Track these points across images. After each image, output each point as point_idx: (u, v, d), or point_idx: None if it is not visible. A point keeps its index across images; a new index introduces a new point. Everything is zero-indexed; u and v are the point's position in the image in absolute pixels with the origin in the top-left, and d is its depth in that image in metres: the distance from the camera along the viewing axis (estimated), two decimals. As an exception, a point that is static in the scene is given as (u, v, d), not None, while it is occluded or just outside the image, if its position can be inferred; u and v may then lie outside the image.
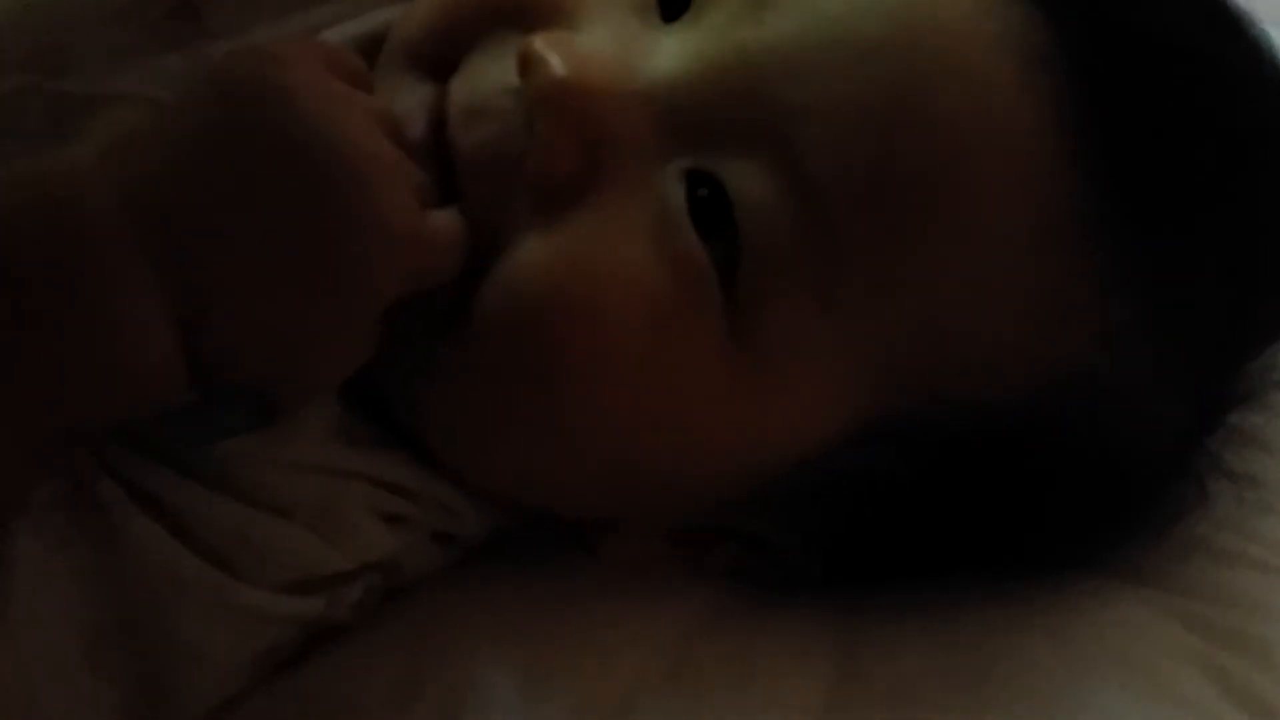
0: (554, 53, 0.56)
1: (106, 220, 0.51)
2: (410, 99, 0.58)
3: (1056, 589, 0.63)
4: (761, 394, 0.57)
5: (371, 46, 0.62)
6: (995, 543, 0.61)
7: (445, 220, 0.56)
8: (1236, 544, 0.65)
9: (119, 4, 0.60)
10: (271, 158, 0.52)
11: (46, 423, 0.52)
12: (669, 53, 0.58)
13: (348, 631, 0.60)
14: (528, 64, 0.56)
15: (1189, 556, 0.64)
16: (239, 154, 0.52)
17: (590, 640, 0.61)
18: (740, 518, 0.62)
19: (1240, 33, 0.61)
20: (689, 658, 0.61)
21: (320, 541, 0.58)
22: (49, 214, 0.51)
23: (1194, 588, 0.63)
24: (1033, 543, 0.61)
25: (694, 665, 0.60)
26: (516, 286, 0.56)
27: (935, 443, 0.58)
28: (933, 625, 0.62)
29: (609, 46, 0.58)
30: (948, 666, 0.61)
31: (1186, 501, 0.63)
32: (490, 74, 0.58)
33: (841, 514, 0.61)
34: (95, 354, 0.51)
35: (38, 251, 0.51)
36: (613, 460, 0.58)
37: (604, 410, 0.57)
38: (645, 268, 0.56)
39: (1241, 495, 0.65)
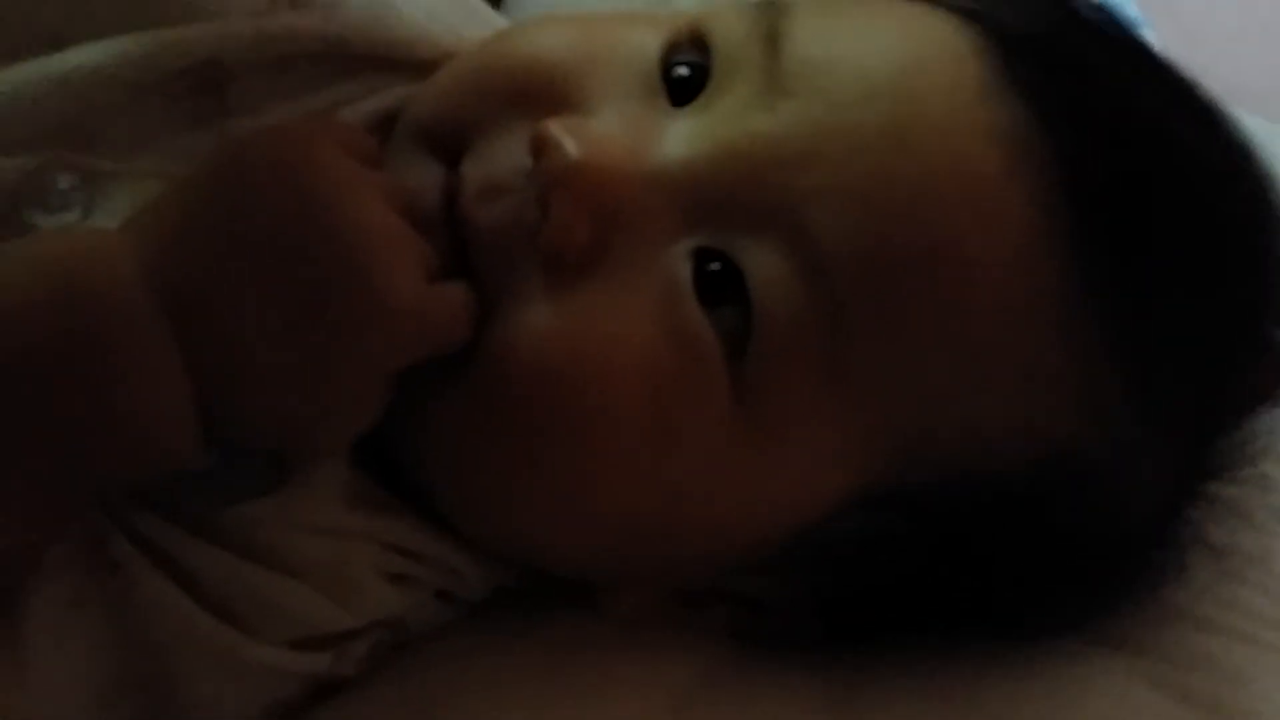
0: (568, 136, 0.57)
1: (129, 293, 0.53)
2: (422, 176, 0.60)
3: (1042, 653, 0.64)
4: (765, 464, 0.59)
5: (385, 124, 0.63)
6: (985, 608, 0.62)
7: (452, 293, 0.57)
8: (1216, 613, 0.66)
9: (144, 80, 0.61)
10: (283, 235, 0.54)
11: (64, 484, 0.53)
12: (681, 137, 0.59)
13: (352, 685, 0.61)
14: (542, 146, 0.57)
15: (1170, 624, 0.65)
16: (253, 231, 0.54)
17: (592, 695, 0.62)
18: (740, 580, 0.63)
19: (1215, 120, 0.63)
20: (689, 714, 0.62)
21: (329, 601, 0.59)
22: (73, 285, 0.53)
23: (1175, 655, 0.64)
24: (1022, 609, 0.62)
25: (694, 720, 0.61)
26: (517, 350, 0.57)
27: (932, 512, 0.60)
28: (924, 685, 0.63)
29: (621, 131, 0.59)
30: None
31: (1167, 570, 0.65)
32: (502, 155, 0.59)
33: (840, 578, 0.62)
34: (115, 420, 0.53)
35: (61, 320, 0.52)
36: (613, 526, 0.59)
37: (603, 478, 0.58)
38: (647, 339, 0.57)
39: (1221, 565, 0.66)
